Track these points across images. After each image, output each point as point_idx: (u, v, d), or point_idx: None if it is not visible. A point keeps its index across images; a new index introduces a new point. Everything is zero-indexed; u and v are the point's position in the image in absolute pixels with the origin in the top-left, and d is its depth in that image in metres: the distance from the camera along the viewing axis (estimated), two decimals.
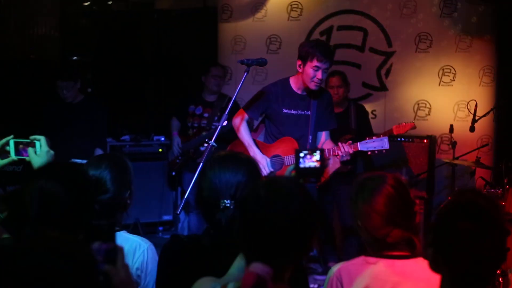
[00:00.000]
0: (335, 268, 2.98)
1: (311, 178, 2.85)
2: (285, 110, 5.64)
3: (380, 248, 2.93)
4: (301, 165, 2.81)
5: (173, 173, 7.64)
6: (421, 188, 7.31)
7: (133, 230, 7.98)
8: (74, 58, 9.72)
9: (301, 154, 2.82)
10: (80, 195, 2.58)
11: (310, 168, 2.80)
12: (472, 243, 2.22)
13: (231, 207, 2.63)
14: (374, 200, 2.90)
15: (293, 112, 5.61)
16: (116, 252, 2.23)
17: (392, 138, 7.26)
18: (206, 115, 7.56)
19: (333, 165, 7.11)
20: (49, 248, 1.82)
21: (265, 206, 2.15)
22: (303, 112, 5.67)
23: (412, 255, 2.90)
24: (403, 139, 7.42)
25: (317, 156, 2.81)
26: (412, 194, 3.00)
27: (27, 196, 2.55)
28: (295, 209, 2.14)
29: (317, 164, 2.80)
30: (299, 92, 5.72)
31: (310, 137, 5.60)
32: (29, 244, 1.87)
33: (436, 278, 2.58)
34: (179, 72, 8.81)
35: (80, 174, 2.70)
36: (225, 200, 2.66)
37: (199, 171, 3.61)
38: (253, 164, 2.84)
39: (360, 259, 2.97)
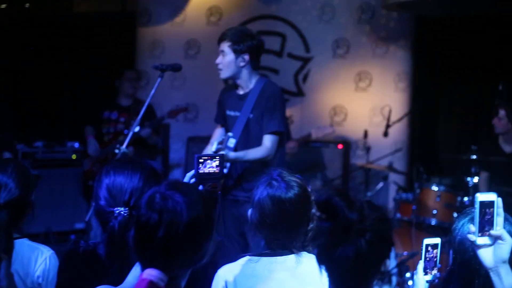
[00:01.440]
0: (221, 270, 2.99)
1: (210, 183, 2.85)
2: (227, 112, 5.29)
3: (261, 247, 2.99)
4: (200, 171, 2.82)
5: (90, 183, 7.52)
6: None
7: (44, 238, 7.83)
8: None
9: (200, 160, 2.83)
10: None
11: (209, 173, 2.81)
12: (331, 240, 2.22)
13: (125, 214, 2.58)
14: (268, 202, 2.93)
15: (231, 113, 5.24)
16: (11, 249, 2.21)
17: (307, 143, 7.34)
18: (122, 119, 7.48)
19: None
20: None
21: (157, 213, 2.13)
22: (237, 113, 5.18)
23: (293, 251, 2.95)
24: (318, 144, 7.49)
25: (216, 161, 2.82)
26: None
27: None
28: (189, 216, 2.13)
29: (216, 170, 2.81)
30: (239, 91, 5.20)
31: (233, 140, 5.12)
32: None
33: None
34: (96, 76, 8.70)
35: None
36: (119, 208, 2.61)
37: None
38: (150, 170, 2.78)
39: (244, 259, 3.00)
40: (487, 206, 2.30)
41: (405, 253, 6.33)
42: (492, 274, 2.27)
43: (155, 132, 7.35)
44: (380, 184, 7.32)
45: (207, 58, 8.36)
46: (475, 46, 8.25)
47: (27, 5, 9.58)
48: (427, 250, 2.85)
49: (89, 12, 10.10)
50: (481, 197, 2.31)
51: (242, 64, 5.03)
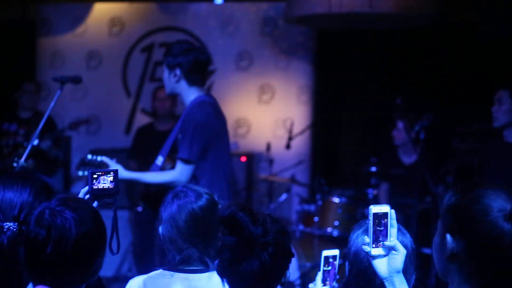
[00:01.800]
0: (133, 281, 2.99)
1: (106, 199, 2.82)
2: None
3: (177, 261, 2.98)
4: (94, 186, 2.78)
5: None
6: None
7: None
8: None
9: (94, 176, 2.79)
10: None
11: (103, 189, 2.78)
12: (235, 257, 2.27)
13: (15, 229, 2.49)
14: (179, 214, 2.94)
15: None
16: None
17: None
18: (21, 132, 7.32)
19: None
20: None
21: (46, 229, 2.13)
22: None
23: (206, 269, 2.95)
24: None
25: (111, 177, 2.79)
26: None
27: None
28: (77, 233, 2.14)
29: (110, 186, 2.78)
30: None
31: (161, 159, 4.98)
32: None
33: None
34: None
35: None
36: (8, 223, 2.52)
37: None
38: (41, 184, 2.71)
39: (158, 272, 2.99)
40: (381, 217, 2.34)
41: (308, 264, 6.41)
42: (387, 284, 2.32)
43: (56, 144, 7.23)
44: (284, 196, 7.39)
45: (109, 70, 8.32)
46: (375, 60, 8.45)
47: None
48: (325, 261, 2.91)
49: None
50: (374, 209, 2.36)
51: (174, 79, 4.88)
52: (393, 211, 2.35)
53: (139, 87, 8.34)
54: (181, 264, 2.97)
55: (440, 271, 2.19)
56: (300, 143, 7.92)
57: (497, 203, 2.05)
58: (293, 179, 7.11)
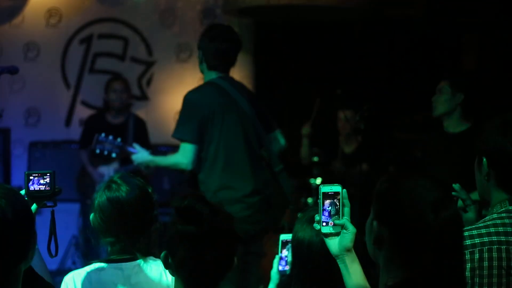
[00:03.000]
0: (68, 276, 2.98)
1: (45, 201, 2.77)
2: None
3: (109, 253, 3.00)
4: (30, 188, 2.73)
5: None
6: None
7: None
8: None
9: (30, 177, 2.74)
10: None
11: (39, 191, 2.72)
12: (191, 247, 2.28)
13: None
14: (107, 205, 2.94)
15: None
16: None
17: (156, 147, 7.33)
18: None
19: None
20: None
21: None
22: None
23: (136, 257, 2.97)
24: (165, 148, 7.47)
25: (47, 178, 2.74)
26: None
27: None
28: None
29: (46, 187, 2.73)
30: None
31: None
32: None
33: (167, 275, 2.82)
34: None
35: None
36: None
37: None
38: None
39: (91, 266, 2.99)
40: (331, 196, 2.35)
41: None
42: (339, 262, 2.33)
43: None
44: None
45: (48, 61, 8.20)
46: (315, 51, 8.53)
47: None
48: (283, 246, 2.96)
49: None
50: (324, 188, 2.37)
51: (198, 60, 5.09)
52: (344, 190, 2.37)
53: (78, 79, 8.24)
54: (112, 255, 2.98)
55: (370, 253, 2.22)
56: None
57: (426, 194, 2.07)
58: None
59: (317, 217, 2.35)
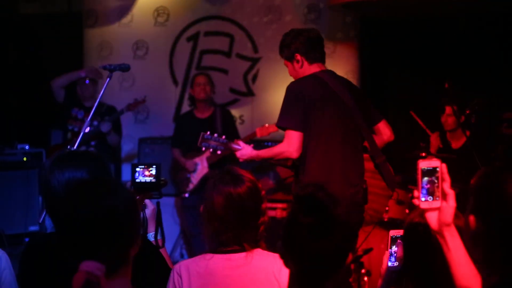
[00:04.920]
0: (177, 265, 3.06)
1: (150, 192, 2.82)
2: None
3: (215, 244, 3.04)
4: (137, 179, 2.79)
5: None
6: (289, 192, 7.43)
7: None
8: None
9: (137, 168, 2.80)
10: None
11: (146, 183, 2.77)
12: (310, 237, 2.26)
13: None
14: (217, 197, 2.99)
15: None
16: None
17: (259, 142, 7.38)
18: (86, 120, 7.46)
19: (201, 170, 7.15)
20: None
21: (73, 205, 2.17)
22: None
23: (244, 249, 3.02)
24: (270, 143, 7.51)
25: (153, 170, 2.79)
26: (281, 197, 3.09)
27: None
28: (105, 205, 2.16)
29: (153, 179, 2.77)
30: None
31: None
32: None
33: (274, 267, 2.85)
34: (44, 78, 8.59)
35: None
36: None
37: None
38: (99, 161, 2.78)
39: (200, 256, 3.07)
40: (430, 172, 2.31)
41: (360, 249, 6.41)
42: (439, 237, 2.30)
43: (116, 129, 7.33)
44: None
45: (156, 59, 8.40)
46: (420, 46, 8.41)
47: None
48: (392, 241, 2.93)
49: (35, 13, 9.97)
50: (423, 163, 2.33)
51: (298, 66, 5.03)
52: (444, 165, 2.31)
53: (186, 76, 8.40)
54: (220, 247, 3.03)
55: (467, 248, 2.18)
56: None
57: None
58: None
59: (416, 193, 2.32)
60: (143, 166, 2.82)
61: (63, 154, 2.82)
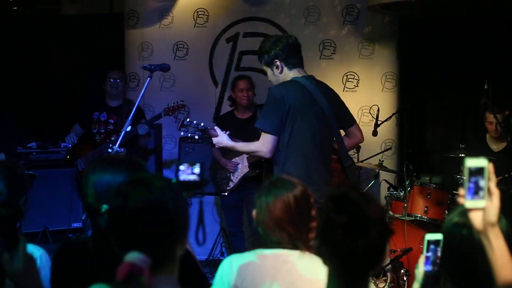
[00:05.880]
0: (227, 259, 3.15)
1: (193, 190, 2.87)
2: None
3: (268, 243, 3.12)
4: (180, 178, 2.83)
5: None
6: None
7: (42, 238, 7.85)
8: None
9: (181, 167, 2.83)
10: None
11: (189, 182, 2.81)
12: (345, 236, 2.28)
13: None
14: (273, 201, 3.08)
15: None
16: (17, 243, 2.25)
17: None
18: (111, 121, 7.53)
19: (242, 170, 7.20)
20: None
21: (124, 199, 2.22)
22: None
23: (297, 247, 3.09)
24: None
25: (196, 169, 2.84)
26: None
27: None
28: (155, 200, 2.22)
29: (196, 178, 2.82)
30: None
31: None
32: None
33: (320, 269, 2.71)
34: (86, 78, 8.74)
35: None
36: (104, 205, 2.63)
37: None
38: (136, 167, 2.84)
39: (250, 252, 3.16)
40: (477, 171, 2.29)
41: (397, 250, 6.41)
42: (482, 237, 2.30)
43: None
44: (371, 182, 7.40)
45: (196, 60, 8.46)
46: (460, 45, 8.38)
47: (15, 7, 9.59)
48: (428, 245, 2.93)
49: (77, 14, 10.11)
50: (470, 162, 2.30)
51: (277, 71, 5.20)
52: (491, 164, 2.30)
53: (225, 76, 8.46)
54: (272, 245, 3.12)
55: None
56: (387, 130, 7.93)
57: None
58: (381, 166, 7.11)
59: (462, 192, 2.30)
60: (186, 164, 2.85)
61: (106, 157, 2.87)
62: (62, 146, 8.39)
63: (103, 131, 7.53)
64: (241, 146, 5.36)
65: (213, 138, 5.32)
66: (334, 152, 5.33)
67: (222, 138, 5.26)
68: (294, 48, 5.20)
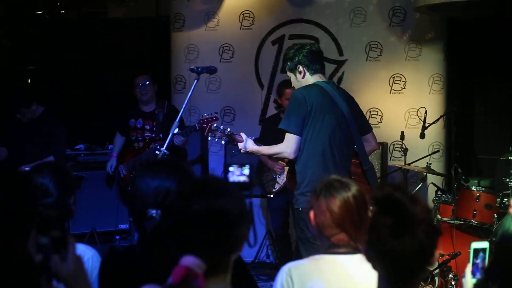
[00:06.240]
0: (286, 267, 3.10)
1: (242, 192, 2.86)
2: None
3: (327, 246, 3.08)
4: (230, 179, 2.82)
5: (129, 188, 7.62)
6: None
7: (89, 239, 7.94)
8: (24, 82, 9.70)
9: (231, 168, 2.83)
10: (18, 198, 2.53)
11: (239, 183, 2.80)
12: (392, 237, 2.26)
13: (158, 216, 2.62)
14: (332, 201, 3.04)
15: None
16: (66, 244, 2.26)
17: None
18: (147, 127, 7.56)
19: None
20: None
21: (190, 201, 2.21)
22: None
23: (355, 252, 3.05)
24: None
25: (246, 170, 2.83)
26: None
27: None
28: (219, 206, 2.20)
29: (246, 179, 2.82)
30: None
31: None
32: None
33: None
34: (132, 82, 8.81)
35: (16, 178, 2.64)
36: (151, 210, 2.65)
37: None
38: (184, 171, 2.83)
39: (309, 258, 3.12)
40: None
41: (446, 254, 6.34)
42: None
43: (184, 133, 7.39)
44: (419, 186, 7.33)
45: (242, 62, 8.48)
46: (508, 46, 8.26)
47: (63, 11, 9.70)
48: (475, 254, 2.89)
49: (124, 17, 10.20)
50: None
51: (300, 76, 5.38)
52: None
53: (271, 79, 8.46)
54: (331, 248, 3.07)
55: None
56: (434, 133, 7.85)
57: None
58: (429, 168, 7.04)
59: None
60: (236, 166, 2.85)
61: (155, 161, 2.87)
62: (109, 148, 8.47)
63: (140, 138, 7.57)
64: (265, 149, 5.48)
65: (238, 144, 5.47)
66: (355, 156, 5.48)
67: (248, 144, 5.41)
68: (317, 55, 5.43)
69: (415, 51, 8.15)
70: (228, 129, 5.61)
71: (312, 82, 5.31)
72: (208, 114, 7.12)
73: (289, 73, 5.44)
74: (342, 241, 3.06)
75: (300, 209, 5.09)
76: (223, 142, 5.69)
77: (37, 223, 2.20)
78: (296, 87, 5.38)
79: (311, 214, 3.12)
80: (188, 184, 2.31)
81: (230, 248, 2.26)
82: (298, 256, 5.66)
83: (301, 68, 5.32)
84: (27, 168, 5.60)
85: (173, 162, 2.89)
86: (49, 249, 2.24)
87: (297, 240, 5.32)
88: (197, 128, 7.05)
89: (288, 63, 5.39)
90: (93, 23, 10.12)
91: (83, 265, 2.40)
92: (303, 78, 5.34)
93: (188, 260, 2.06)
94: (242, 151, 5.47)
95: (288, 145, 5.16)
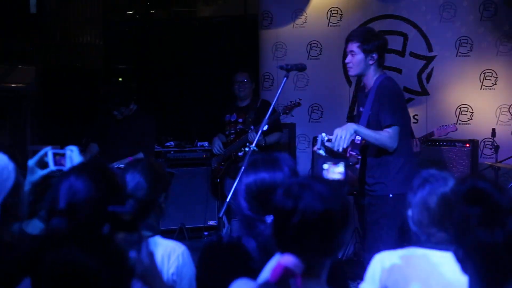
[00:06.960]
0: (379, 255, 3.06)
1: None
2: (360, 108, 5.45)
3: (422, 242, 3.01)
4: (324, 177, 2.79)
5: (218, 180, 7.79)
6: None
7: (178, 234, 8.07)
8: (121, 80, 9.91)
9: (324, 166, 2.80)
10: (106, 192, 2.59)
11: (333, 181, 2.77)
12: (481, 227, 2.13)
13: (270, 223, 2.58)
14: (430, 198, 2.95)
15: (360, 109, 5.39)
16: (141, 241, 2.30)
17: (433, 143, 7.29)
18: (240, 120, 7.68)
19: None
20: (77, 245, 1.93)
21: (293, 199, 2.21)
22: (362, 109, 5.33)
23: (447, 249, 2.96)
24: (445, 143, 7.40)
25: (340, 168, 2.80)
26: None
27: (56, 191, 2.56)
28: (323, 207, 2.20)
29: (340, 177, 2.80)
30: (366, 88, 5.34)
31: (358, 137, 5.16)
32: (58, 241, 1.99)
33: None
34: (222, 79, 8.92)
35: (107, 173, 2.69)
36: (268, 216, 2.64)
37: (239, 177, 3.59)
38: (291, 165, 2.84)
39: (403, 250, 3.05)
40: None
41: None
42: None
43: (275, 128, 7.42)
44: (511, 184, 7.18)
45: (329, 59, 8.46)
46: None
47: (152, 10, 9.88)
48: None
49: (212, 16, 10.32)
50: None
51: (371, 62, 5.16)
52: None
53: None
54: (428, 243, 2.98)
55: None
56: None
57: None
58: None
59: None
60: (330, 163, 2.84)
61: (259, 157, 2.90)
62: (198, 146, 8.60)
63: (233, 131, 7.68)
64: (373, 136, 5.06)
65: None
66: None
67: (350, 124, 5.03)
68: (385, 49, 5.34)
69: (507, 46, 7.97)
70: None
71: (375, 73, 5.18)
72: (292, 101, 7.17)
73: (358, 50, 5.15)
74: (439, 239, 2.97)
75: (391, 195, 5.04)
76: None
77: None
78: (354, 68, 5.21)
79: (409, 211, 3.04)
80: (295, 183, 2.29)
81: (330, 251, 2.26)
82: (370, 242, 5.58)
83: (375, 55, 5.14)
84: (120, 165, 5.72)
85: (276, 157, 2.90)
86: (129, 244, 2.28)
87: (373, 227, 5.27)
88: (281, 114, 7.13)
89: (365, 44, 5.14)
90: (183, 22, 10.27)
91: (155, 261, 2.44)
92: (371, 65, 5.15)
93: (287, 260, 2.08)
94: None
95: (395, 138, 5.01)
